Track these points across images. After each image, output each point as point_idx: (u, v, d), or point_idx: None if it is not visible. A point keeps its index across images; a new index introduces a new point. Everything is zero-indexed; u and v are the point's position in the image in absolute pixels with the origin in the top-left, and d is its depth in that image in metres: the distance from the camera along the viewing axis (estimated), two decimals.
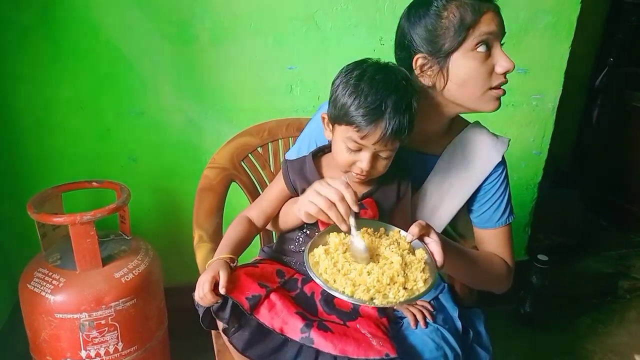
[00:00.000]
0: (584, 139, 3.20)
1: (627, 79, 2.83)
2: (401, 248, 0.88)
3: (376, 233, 0.92)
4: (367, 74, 0.88)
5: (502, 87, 1.00)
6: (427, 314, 1.04)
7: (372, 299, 0.80)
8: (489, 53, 0.96)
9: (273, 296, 0.90)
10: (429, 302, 1.09)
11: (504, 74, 0.98)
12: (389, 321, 0.98)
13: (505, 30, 0.98)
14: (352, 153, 0.91)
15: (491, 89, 0.99)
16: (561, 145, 2.11)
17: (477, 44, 0.95)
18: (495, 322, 1.19)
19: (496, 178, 1.11)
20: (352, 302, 0.80)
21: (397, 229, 0.93)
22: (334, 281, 0.83)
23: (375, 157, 0.91)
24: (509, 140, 1.13)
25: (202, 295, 0.85)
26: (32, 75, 1.57)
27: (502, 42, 0.98)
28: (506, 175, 1.13)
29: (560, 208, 2.93)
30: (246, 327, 0.89)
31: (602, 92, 2.99)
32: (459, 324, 1.08)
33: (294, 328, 0.87)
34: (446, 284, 1.18)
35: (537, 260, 2.11)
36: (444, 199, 1.10)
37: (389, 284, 0.82)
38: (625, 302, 2.33)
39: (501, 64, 0.96)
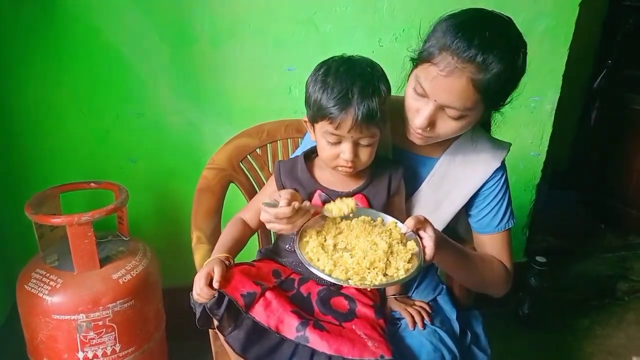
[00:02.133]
0: (582, 141, 3.20)
1: (626, 81, 2.84)
2: (392, 238, 0.89)
3: (373, 222, 0.94)
4: (332, 69, 0.92)
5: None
6: (425, 315, 1.04)
7: (348, 279, 0.82)
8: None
9: (269, 294, 0.91)
10: (427, 304, 1.09)
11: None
12: (386, 322, 0.98)
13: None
14: (333, 146, 0.93)
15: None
16: (559, 147, 2.11)
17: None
18: (493, 324, 1.19)
19: (495, 183, 1.11)
20: (329, 280, 0.82)
21: (393, 220, 0.94)
22: (317, 260, 0.85)
23: (356, 146, 0.93)
24: (510, 145, 1.13)
25: (199, 290, 0.87)
26: (31, 76, 1.57)
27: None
28: (506, 180, 1.13)
29: (558, 210, 2.93)
30: (242, 326, 0.89)
31: (601, 94, 3.00)
32: (456, 325, 1.08)
33: (289, 326, 0.88)
34: (444, 286, 1.18)
35: (535, 262, 2.11)
36: (441, 202, 1.10)
37: (368, 268, 0.84)
38: (624, 305, 2.33)
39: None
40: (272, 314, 0.89)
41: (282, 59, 1.68)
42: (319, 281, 1.01)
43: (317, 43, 1.67)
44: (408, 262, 0.86)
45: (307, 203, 0.90)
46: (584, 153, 3.16)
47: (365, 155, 0.94)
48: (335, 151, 0.93)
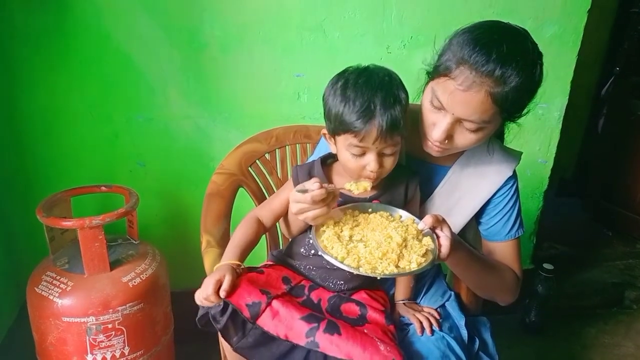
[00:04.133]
0: (588, 148, 3.19)
1: (633, 88, 2.83)
2: (408, 232, 0.90)
3: (390, 217, 0.94)
4: (350, 81, 0.92)
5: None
6: (433, 321, 1.05)
7: (358, 267, 0.83)
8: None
9: (275, 303, 0.91)
10: (436, 310, 1.09)
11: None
12: (396, 328, 0.99)
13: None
14: (358, 158, 0.93)
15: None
16: (566, 154, 2.11)
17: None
18: (500, 331, 1.18)
19: (506, 192, 1.11)
20: (340, 266, 0.83)
21: (412, 217, 0.95)
22: (332, 248, 0.86)
23: (380, 156, 0.93)
24: (521, 154, 1.14)
25: (206, 296, 0.87)
26: (42, 81, 1.59)
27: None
28: (517, 189, 1.13)
29: (564, 217, 2.92)
30: (250, 335, 0.89)
31: (608, 101, 2.99)
32: (464, 332, 1.08)
33: (298, 333, 0.88)
34: (452, 292, 1.18)
35: (542, 269, 2.10)
36: (452, 210, 1.11)
37: (380, 258, 0.84)
38: (631, 313, 2.32)
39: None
40: (281, 323, 0.89)
41: (291, 65, 1.69)
42: (331, 288, 1.02)
43: (326, 50, 1.69)
44: (422, 257, 0.86)
45: (331, 185, 0.89)
46: (591, 160, 3.15)
47: (389, 163, 0.95)
48: (361, 163, 0.93)
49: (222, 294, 0.86)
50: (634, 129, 2.81)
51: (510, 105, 0.90)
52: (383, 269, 0.83)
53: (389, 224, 0.91)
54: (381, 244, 0.86)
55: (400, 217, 0.95)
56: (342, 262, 0.83)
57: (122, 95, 1.65)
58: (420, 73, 1.01)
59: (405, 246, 0.87)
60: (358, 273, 0.83)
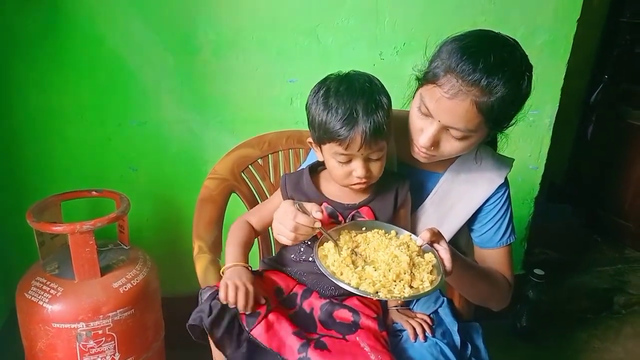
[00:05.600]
0: (578, 154, 3.23)
1: (622, 95, 2.87)
2: (410, 250, 0.90)
3: (387, 235, 0.94)
4: (331, 89, 0.92)
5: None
6: (426, 327, 1.05)
7: (377, 292, 0.82)
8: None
9: (271, 316, 0.91)
10: (428, 316, 1.09)
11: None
12: (389, 334, 0.99)
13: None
14: (345, 165, 0.94)
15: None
16: (555, 160, 2.13)
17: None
18: (491, 336, 1.19)
19: (498, 199, 1.12)
20: (358, 293, 0.82)
21: (408, 233, 0.95)
22: (341, 274, 0.85)
23: (367, 161, 0.94)
24: (513, 161, 1.14)
25: (244, 303, 0.88)
26: (34, 83, 1.58)
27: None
28: (508, 196, 1.14)
29: (555, 223, 2.94)
30: (243, 346, 0.89)
31: (597, 108, 3.03)
32: (457, 338, 1.08)
33: (291, 349, 0.88)
34: (445, 298, 1.18)
35: (533, 274, 2.11)
36: (444, 217, 1.11)
37: (394, 281, 0.84)
38: (621, 318, 2.34)
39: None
40: (274, 337, 0.89)
41: (284, 70, 1.69)
42: (322, 294, 1.02)
43: (319, 55, 1.69)
44: (430, 274, 0.86)
45: (323, 229, 0.91)
46: (581, 166, 3.19)
47: (376, 168, 0.95)
48: (347, 169, 0.94)
49: (262, 300, 0.89)
50: (623, 135, 2.84)
51: (495, 115, 0.91)
52: (399, 291, 0.83)
53: (389, 242, 0.91)
54: (390, 265, 0.86)
55: (396, 234, 0.95)
56: (357, 288, 0.82)
57: (115, 99, 1.64)
58: (412, 78, 1.02)
59: (413, 265, 0.87)
60: (377, 299, 0.83)
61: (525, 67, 0.92)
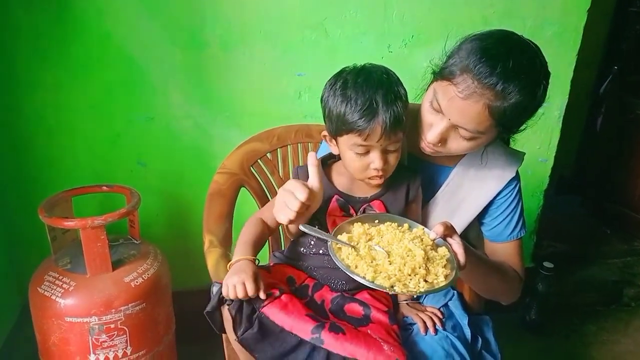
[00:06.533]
0: (587, 147, 3.20)
1: (631, 87, 2.84)
2: (424, 243, 0.89)
3: (400, 228, 0.94)
4: (349, 81, 0.92)
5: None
6: (436, 321, 1.05)
7: (392, 286, 0.82)
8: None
9: (285, 297, 0.91)
10: (439, 309, 1.09)
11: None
12: (399, 328, 0.99)
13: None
14: (362, 157, 0.94)
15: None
16: (564, 153, 2.12)
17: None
18: (500, 329, 1.19)
19: (509, 193, 1.12)
20: (373, 287, 0.82)
21: (421, 227, 0.95)
22: (356, 267, 0.85)
23: (385, 153, 0.94)
24: (524, 155, 1.14)
25: (250, 291, 0.87)
26: (43, 81, 1.59)
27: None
28: (519, 190, 1.14)
29: (564, 215, 2.93)
30: (255, 326, 0.88)
31: (606, 100, 3.00)
32: (468, 331, 1.08)
33: (304, 328, 0.88)
34: (455, 291, 1.18)
35: (542, 267, 2.11)
36: (455, 211, 1.11)
37: (409, 275, 0.84)
38: (631, 310, 2.33)
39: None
40: (287, 317, 0.88)
41: (292, 64, 1.69)
42: (333, 288, 1.02)
43: (327, 48, 1.69)
44: (444, 268, 0.86)
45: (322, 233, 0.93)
46: (590, 158, 3.16)
47: (393, 159, 0.95)
48: (365, 161, 0.94)
49: (263, 295, 0.87)
50: (632, 127, 2.81)
51: (507, 120, 0.91)
52: (415, 285, 0.83)
53: (403, 235, 0.91)
54: (405, 259, 0.85)
55: (409, 227, 0.95)
56: (372, 282, 0.82)
57: (123, 95, 1.64)
58: (427, 71, 1.01)
59: (428, 259, 0.87)
60: (393, 293, 0.83)
61: (543, 75, 0.92)
